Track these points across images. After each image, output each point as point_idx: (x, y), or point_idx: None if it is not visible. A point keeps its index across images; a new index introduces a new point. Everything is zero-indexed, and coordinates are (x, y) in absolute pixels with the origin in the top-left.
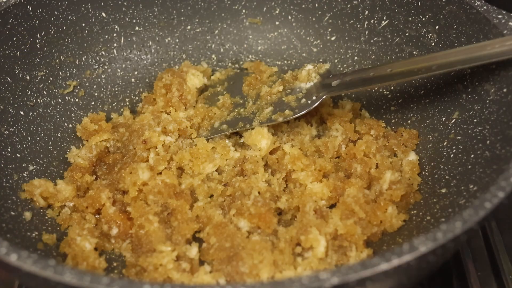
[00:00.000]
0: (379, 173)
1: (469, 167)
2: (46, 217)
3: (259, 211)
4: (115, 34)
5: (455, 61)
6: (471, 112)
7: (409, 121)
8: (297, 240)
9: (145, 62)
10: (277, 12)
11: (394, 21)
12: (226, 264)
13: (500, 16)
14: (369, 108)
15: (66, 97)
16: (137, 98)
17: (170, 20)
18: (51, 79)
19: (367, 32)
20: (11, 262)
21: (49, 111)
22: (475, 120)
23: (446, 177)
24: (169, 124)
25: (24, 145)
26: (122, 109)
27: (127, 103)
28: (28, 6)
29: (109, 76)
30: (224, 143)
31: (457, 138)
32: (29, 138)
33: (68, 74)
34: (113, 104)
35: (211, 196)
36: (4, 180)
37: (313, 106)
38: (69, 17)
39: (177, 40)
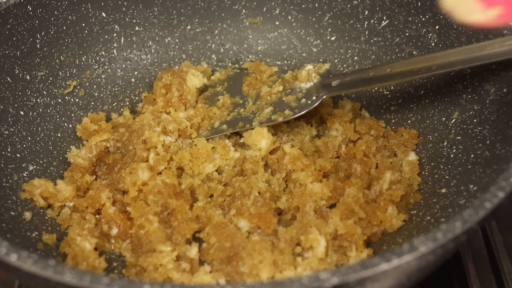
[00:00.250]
0: (379, 173)
1: (469, 167)
2: (46, 217)
3: (259, 211)
4: (115, 34)
5: (455, 61)
6: (471, 112)
7: (409, 121)
8: (297, 240)
9: (145, 62)
10: (277, 12)
11: (394, 21)
12: (226, 264)
13: None
14: (369, 108)
15: (66, 97)
16: (137, 98)
17: (170, 20)
18: (51, 79)
19: (367, 32)
20: (11, 262)
21: (49, 111)
22: (475, 120)
23: (446, 177)
24: (169, 124)
25: (24, 145)
26: (122, 109)
27: (127, 103)
28: (28, 6)
29: (109, 76)
30: (224, 143)
31: (457, 138)
32: (29, 138)
33: (68, 74)
34: (113, 104)
35: (211, 196)
36: (4, 180)
37: (313, 106)
38: (69, 17)
39: (177, 40)
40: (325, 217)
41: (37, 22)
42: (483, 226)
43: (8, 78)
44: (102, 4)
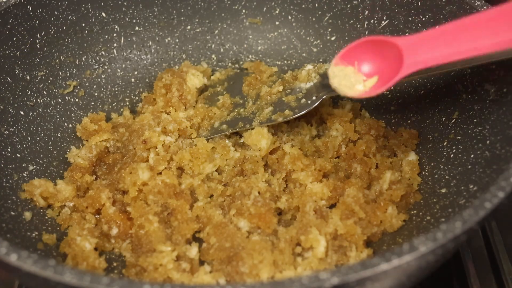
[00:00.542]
0: (379, 173)
1: (469, 167)
2: (46, 217)
3: (259, 211)
4: (115, 34)
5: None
6: (471, 112)
7: (409, 121)
8: (297, 240)
9: (145, 62)
10: (277, 12)
11: (394, 21)
12: (226, 264)
13: None
14: (369, 108)
15: (66, 97)
16: (137, 98)
17: (170, 20)
18: (51, 79)
19: (367, 32)
20: (11, 262)
21: (49, 111)
22: (475, 120)
23: (446, 177)
24: (169, 124)
25: (24, 145)
26: (122, 109)
27: (127, 103)
28: (28, 6)
29: (109, 76)
30: (224, 143)
31: (457, 138)
32: (29, 138)
33: (68, 74)
34: (113, 104)
35: (211, 196)
36: (4, 180)
37: (313, 106)
38: (69, 17)
39: (177, 40)
40: (325, 217)
41: (37, 22)
42: (483, 226)
43: (8, 78)
44: (102, 4)
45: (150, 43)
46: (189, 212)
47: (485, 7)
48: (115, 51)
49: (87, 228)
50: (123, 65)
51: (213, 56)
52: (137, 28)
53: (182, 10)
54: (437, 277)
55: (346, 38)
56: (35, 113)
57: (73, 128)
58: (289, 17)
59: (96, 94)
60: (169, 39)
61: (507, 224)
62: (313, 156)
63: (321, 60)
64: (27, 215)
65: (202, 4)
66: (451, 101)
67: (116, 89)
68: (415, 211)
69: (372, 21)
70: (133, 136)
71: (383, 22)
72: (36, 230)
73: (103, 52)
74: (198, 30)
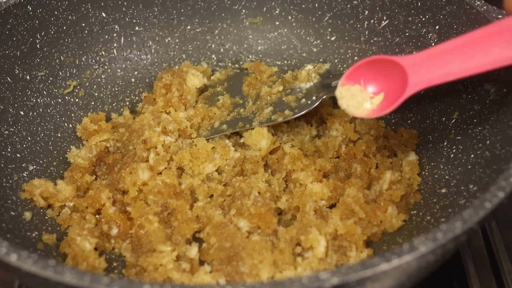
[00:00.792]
0: (379, 173)
1: (469, 167)
2: (46, 217)
3: (259, 211)
4: (115, 34)
5: None
6: (471, 112)
7: (409, 121)
8: (297, 240)
9: (145, 62)
10: (277, 12)
11: (394, 21)
12: (226, 264)
13: (500, 16)
14: None
15: (66, 97)
16: (137, 98)
17: (170, 20)
18: (51, 79)
19: (367, 32)
20: (11, 262)
21: (49, 111)
22: (475, 120)
23: (446, 177)
24: (169, 124)
25: (24, 145)
26: (122, 109)
27: (127, 103)
28: (28, 6)
29: (109, 76)
30: (224, 143)
31: (457, 138)
32: (29, 138)
33: (68, 74)
34: (113, 104)
35: (211, 196)
36: (4, 180)
37: (313, 106)
38: (69, 17)
39: (177, 40)
40: (325, 217)
41: (37, 22)
42: (483, 226)
43: (8, 78)
44: (102, 4)
45: (150, 43)
46: (189, 212)
47: (485, 7)
48: (115, 51)
49: (87, 228)
50: (123, 65)
51: (213, 56)
52: (137, 28)
53: (182, 10)
54: (437, 277)
55: (346, 38)
56: (35, 113)
57: (73, 128)
58: (289, 17)
59: (96, 94)
60: (169, 39)
61: (507, 224)
62: (313, 156)
63: (321, 60)
64: (27, 215)
65: (202, 4)
66: (451, 101)
67: (116, 89)
68: (415, 211)
69: (372, 21)
70: (133, 136)
71: (383, 22)
72: (36, 230)
73: (103, 52)
74: (198, 30)
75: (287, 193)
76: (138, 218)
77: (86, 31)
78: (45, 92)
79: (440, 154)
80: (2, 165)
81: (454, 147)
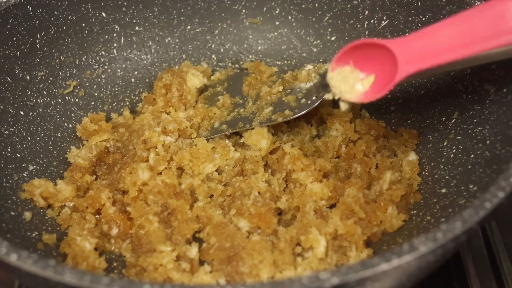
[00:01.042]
0: (379, 173)
1: (469, 167)
2: (46, 217)
3: (259, 211)
4: (115, 34)
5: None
6: (471, 112)
7: (409, 121)
8: (297, 240)
9: (145, 62)
10: (277, 12)
11: (394, 21)
12: (226, 264)
13: None
14: (369, 108)
15: (66, 97)
16: (137, 98)
17: (170, 20)
18: (51, 79)
19: (367, 32)
20: (11, 262)
21: (49, 111)
22: (475, 120)
23: (446, 177)
24: (169, 124)
25: (24, 145)
26: (122, 109)
27: (127, 103)
28: (28, 6)
29: (109, 76)
30: (224, 143)
31: (457, 138)
32: (29, 138)
33: (68, 74)
34: (113, 104)
35: (211, 196)
36: (4, 180)
37: (313, 106)
38: (69, 17)
39: (177, 40)
40: (325, 217)
41: (37, 22)
42: (483, 226)
43: (8, 78)
44: (102, 4)
45: (150, 43)
46: (189, 212)
47: None
48: (115, 51)
49: (87, 228)
50: (123, 65)
51: (213, 56)
52: (137, 28)
53: (182, 10)
54: (437, 277)
55: (346, 38)
56: (35, 113)
57: (73, 128)
58: (289, 17)
59: (96, 94)
60: (169, 39)
61: (507, 224)
62: (313, 156)
63: (321, 60)
64: (27, 215)
65: (202, 4)
66: (451, 101)
67: (116, 89)
68: (415, 211)
69: (372, 21)
70: (133, 136)
71: (383, 22)
72: (36, 230)
73: (103, 52)
74: (198, 30)
75: (287, 193)
76: (138, 218)
77: (86, 31)
78: (45, 92)
79: (440, 154)
80: (2, 165)
81: (454, 147)
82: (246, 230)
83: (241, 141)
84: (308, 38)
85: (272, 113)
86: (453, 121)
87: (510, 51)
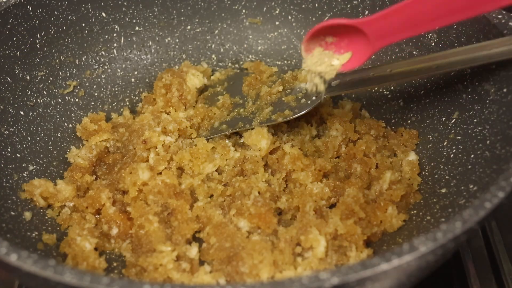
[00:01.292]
0: (379, 173)
1: (469, 167)
2: (46, 217)
3: (259, 211)
4: (115, 34)
5: (455, 61)
6: (471, 112)
7: (409, 121)
8: (297, 240)
9: (145, 62)
10: (277, 12)
11: None
12: (226, 264)
13: (500, 16)
14: (369, 108)
15: (66, 97)
16: (137, 98)
17: (170, 20)
18: (51, 79)
19: None
20: (11, 262)
21: (49, 111)
22: (475, 120)
23: (446, 177)
24: (169, 124)
25: (24, 145)
26: (122, 109)
27: (127, 103)
28: (28, 6)
29: (109, 76)
30: (224, 143)
31: (457, 138)
32: (29, 138)
33: (68, 74)
34: (113, 104)
35: (211, 196)
36: (4, 180)
37: (313, 106)
38: (69, 17)
39: (177, 40)
40: (325, 217)
41: (37, 22)
42: (483, 226)
43: (8, 78)
44: (102, 4)
45: (150, 43)
46: (189, 212)
47: None
48: (115, 51)
49: (87, 228)
50: (123, 65)
51: (213, 56)
52: (137, 28)
53: (182, 10)
54: (437, 277)
55: None
56: (35, 113)
57: (73, 128)
58: (289, 17)
59: (96, 94)
60: (169, 39)
61: (507, 224)
62: (313, 156)
63: None
64: (27, 215)
65: (202, 4)
66: (451, 101)
67: (116, 89)
68: (415, 211)
69: None
70: (133, 136)
71: None
72: (36, 230)
73: (103, 52)
74: (198, 30)
75: (287, 193)
76: (138, 218)
77: (86, 31)
78: (45, 92)
79: (440, 154)
80: (2, 165)
81: (454, 147)
82: (246, 230)
83: (241, 141)
84: None
85: (272, 113)
86: (453, 121)
87: (510, 51)
